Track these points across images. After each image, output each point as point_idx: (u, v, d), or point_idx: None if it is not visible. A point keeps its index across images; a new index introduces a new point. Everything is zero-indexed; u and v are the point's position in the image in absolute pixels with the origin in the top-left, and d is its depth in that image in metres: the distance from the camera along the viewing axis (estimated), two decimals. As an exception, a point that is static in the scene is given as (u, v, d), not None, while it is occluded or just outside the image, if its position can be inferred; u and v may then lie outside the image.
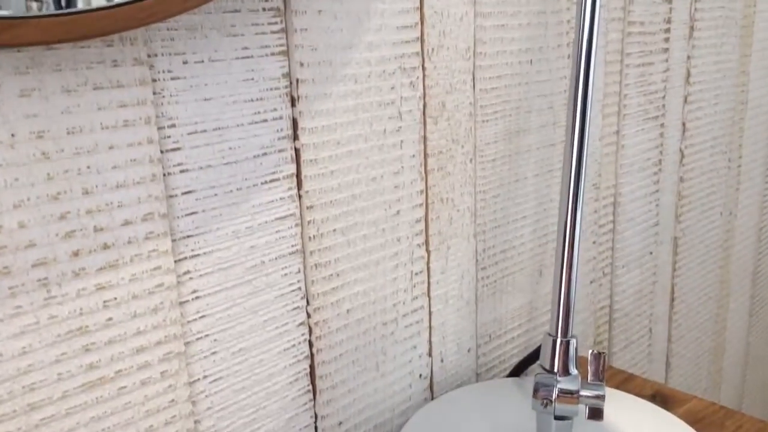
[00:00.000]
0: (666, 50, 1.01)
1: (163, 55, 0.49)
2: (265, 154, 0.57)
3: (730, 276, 1.33)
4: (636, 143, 1.00)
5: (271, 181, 0.58)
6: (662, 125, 1.04)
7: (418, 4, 0.65)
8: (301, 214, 0.60)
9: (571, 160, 0.68)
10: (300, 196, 0.60)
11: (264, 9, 0.54)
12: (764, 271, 1.46)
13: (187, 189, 0.53)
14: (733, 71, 1.17)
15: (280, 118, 0.57)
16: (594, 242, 0.97)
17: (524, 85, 0.79)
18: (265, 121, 0.56)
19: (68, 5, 0.40)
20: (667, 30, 1.00)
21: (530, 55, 0.79)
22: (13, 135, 0.43)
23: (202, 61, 0.52)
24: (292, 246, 0.60)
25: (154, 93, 0.49)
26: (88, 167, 0.46)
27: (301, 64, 0.57)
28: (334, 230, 0.63)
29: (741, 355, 1.45)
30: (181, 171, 0.52)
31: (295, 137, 0.59)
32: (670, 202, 1.11)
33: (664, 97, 1.03)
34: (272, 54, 0.56)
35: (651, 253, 1.10)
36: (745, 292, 1.40)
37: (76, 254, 0.47)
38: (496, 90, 0.76)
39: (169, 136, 0.51)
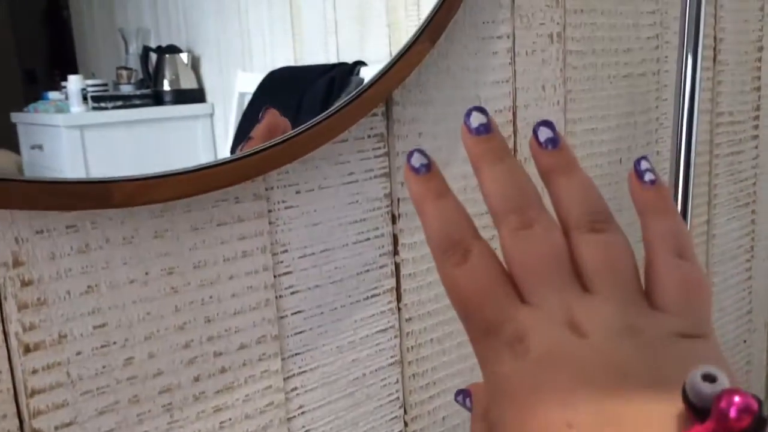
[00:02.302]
0: (755, 137, 0.99)
1: (278, 187, 0.52)
2: (367, 270, 0.59)
3: (830, 360, 1.27)
4: (727, 232, 0.98)
5: (373, 296, 0.60)
6: (753, 212, 1.02)
7: (511, 118, 0.67)
8: (400, 326, 0.62)
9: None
10: (399, 309, 0.62)
11: (369, 136, 0.57)
12: None
13: (296, 309, 0.55)
14: (826, 151, 1.14)
15: (382, 235, 0.59)
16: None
17: (614, 184, 0.79)
18: (368, 239, 0.59)
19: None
20: (756, 117, 0.99)
21: (619, 155, 0.79)
22: (147, 273, 0.46)
23: (313, 190, 0.55)
24: (392, 357, 0.62)
25: (270, 223, 0.52)
26: (211, 297, 0.49)
27: (402, 184, 0.60)
28: (431, 340, 0.64)
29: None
30: (292, 293, 0.55)
31: (396, 252, 0.61)
32: (764, 287, 1.08)
33: (754, 184, 1.01)
34: (375, 177, 0.58)
35: (745, 341, 1.06)
36: None
37: (197, 379, 0.49)
38: (586, 192, 0.76)
39: (281, 261, 0.54)
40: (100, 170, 0.42)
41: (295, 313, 0.55)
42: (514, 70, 0.67)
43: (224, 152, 0.51)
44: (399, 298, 0.62)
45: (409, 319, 0.62)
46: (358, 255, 0.58)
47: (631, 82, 0.78)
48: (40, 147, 0.42)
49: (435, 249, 0.29)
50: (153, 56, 0.47)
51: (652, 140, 0.83)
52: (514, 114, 0.67)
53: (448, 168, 0.63)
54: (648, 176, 0.30)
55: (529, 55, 0.68)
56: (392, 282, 0.61)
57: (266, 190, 0.52)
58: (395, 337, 0.62)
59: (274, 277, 0.53)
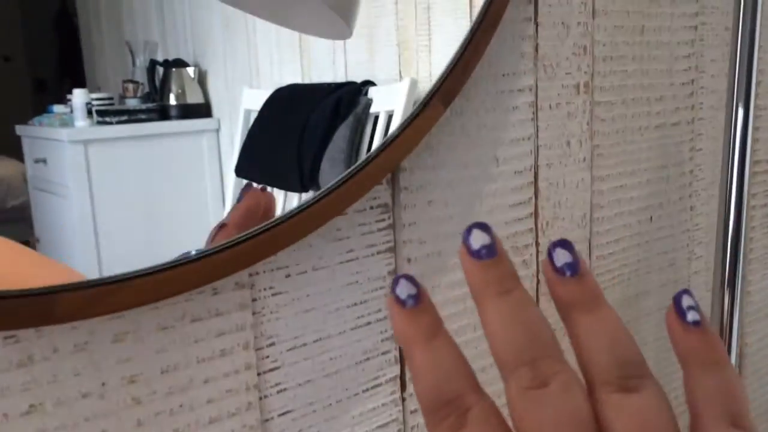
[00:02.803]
0: (794, 185, 0.91)
1: (264, 272, 0.45)
2: (367, 359, 0.52)
3: None
4: (763, 287, 0.90)
5: (374, 386, 0.52)
6: (791, 265, 0.94)
7: (532, 179, 0.60)
8: (404, 419, 0.54)
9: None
10: (404, 399, 0.54)
11: (371, 207, 0.50)
12: None
13: (283, 410, 0.48)
14: None
15: (384, 318, 0.52)
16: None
17: (644, 244, 0.72)
18: (369, 324, 0.51)
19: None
20: (796, 164, 0.91)
21: (650, 212, 0.72)
22: (103, 384, 0.39)
23: (305, 272, 0.47)
24: (394, 454, 0.54)
25: (254, 313, 0.45)
26: (181, 406, 0.42)
27: (409, 260, 0.52)
28: (440, 432, 0.57)
29: None
30: (279, 391, 0.47)
31: (400, 337, 0.53)
32: (801, 346, 0.99)
33: (793, 236, 0.93)
34: (378, 252, 0.51)
35: (780, 405, 0.98)
36: None
37: (164, 502, 0.42)
38: (613, 255, 0.69)
39: (267, 356, 0.46)
40: (105, 186, 0.41)
41: (283, 414, 0.48)
42: (537, 126, 0.59)
43: (229, 170, 0.49)
44: (403, 387, 0.54)
45: (414, 411, 0.55)
46: (356, 342, 0.51)
47: (663, 132, 0.71)
48: (44, 161, 0.42)
49: (425, 408, 0.24)
50: (160, 70, 0.46)
51: (685, 195, 0.75)
52: (536, 174, 0.60)
53: (459, 240, 0.55)
54: (692, 316, 0.25)
55: (553, 109, 0.60)
56: (396, 369, 0.53)
57: (250, 276, 0.44)
58: (398, 431, 0.54)
59: (258, 375, 0.46)
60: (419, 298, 0.25)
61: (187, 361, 0.42)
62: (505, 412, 0.24)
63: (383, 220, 0.51)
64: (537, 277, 0.62)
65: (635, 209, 0.70)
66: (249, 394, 0.45)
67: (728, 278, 0.69)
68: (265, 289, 0.45)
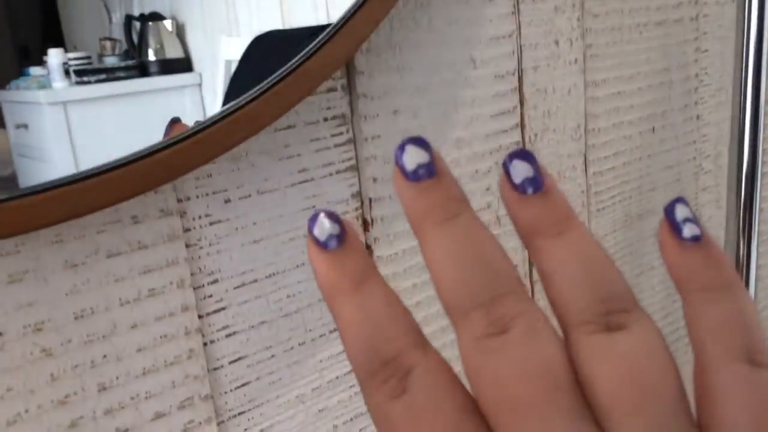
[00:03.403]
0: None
1: (198, 197, 0.38)
2: (333, 295, 0.45)
3: None
4: (777, 205, 0.83)
5: (342, 326, 0.46)
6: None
7: (516, 84, 0.52)
8: (380, 361, 0.48)
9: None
10: (379, 339, 0.48)
11: (326, 119, 0.43)
12: None
13: (235, 356, 0.41)
14: None
15: (351, 247, 0.45)
16: None
17: (646, 158, 0.64)
18: (332, 255, 0.44)
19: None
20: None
21: (652, 122, 0.64)
22: (1, 334, 0.33)
23: (249, 196, 0.40)
24: (371, 400, 0.48)
25: (188, 246, 0.38)
26: (105, 356, 0.36)
27: (374, 180, 0.45)
28: (423, 374, 0.50)
29: None
30: (228, 335, 0.41)
31: (370, 268, 0.47)
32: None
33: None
34: (338, 172, 0.44)
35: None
36: None
37: (93, 468, 0.36)
38: (612, 171, 0.61)
39: (210, 296, 0.40)
40: (87, 148, 0.39)
41: (235, 360, 0.41)
42: (519, 21, 0.51)
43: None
44: (378, 326, 0.48)
45: (392, 351, 0.48)
46: (318, 276, 0.44)
47: (665, 30, 0.63)
48: (25, 126, 0.40)
49: (358, 371, 0.19)
50: (137, 25, 0.45)
51: (691, 102, 0.67)
52: (520, 79, 0.52)
53: (435, 154, 0.48)
54: (689, 230, 0.20)
55: (537, 2, 0.52)
56: (368, 306, 0.47)
57: (179, 202, 0.38)
58: (375, 374, 0.48)
59: (200, 317, 0.39)
60: (343, 237, 0.20)
61: (107, 303, 0.35)
62: (458, 367, 0.18)
63: (341, 133, 0.44)
64: (527, 197, 0.55)
65: (635, 119, 0.62)
66: (190, 339, 0.39)
67: (744, 198, 0.62)
68: (200, 217, 0.39)
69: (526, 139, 0.54)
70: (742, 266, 0.55)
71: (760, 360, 0.19)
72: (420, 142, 0.20)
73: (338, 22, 0.37)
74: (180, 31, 0.45)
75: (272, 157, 0.41)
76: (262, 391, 0.43)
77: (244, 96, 0.35)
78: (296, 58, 0.36)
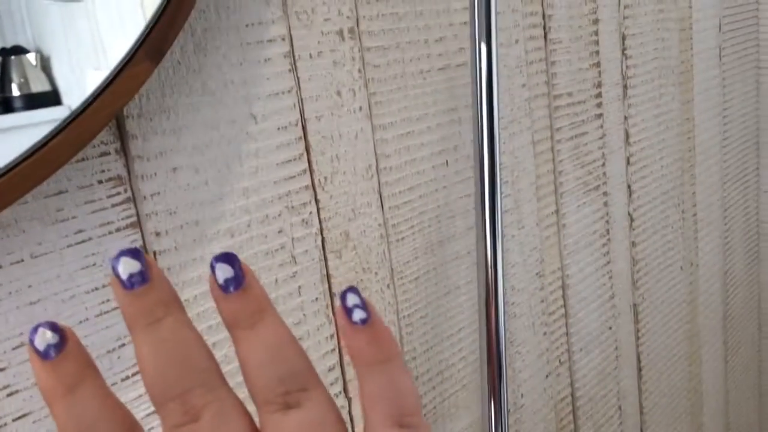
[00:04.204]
0: (600, 116, 0.94)
1: (-36, 267, 0.40)
2: (122, 345, 0.48)
3: (699, 328, 1.26)
4: (578, 219, 0.92)
5: (134, 374, 0.49)
6: (605, 193, 0.97)
7: (301, 134, 0.57)
8: (179, 401, 0.51)
9: (485, 261, 0.61)
10: (176, 381, 0.51)
11: (100, 181, 0.46)
12: (734, 313, 1.39)
13: (19, 413, 0.43)
14: (676, 120, 1.11)
15: (139, 299, 0.48)
16: (545, 333, 0.89)
17: (442, 189, 0.71)
18: (117, 308, 0.47)
19: None
20: (599, 95, 0.93)
21: (445, 156, 0.71)
22: None
23: (21, 260, 0.43)
24: (173, 440, 0.51)
25: (-42, 314, 0.40)
26: None
27: (158, 234, 0.49)
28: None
29: (721, 404, 1.38)
30: (9, 395, 0.43)
31: (161, 316, 0.50)
32: (625, 270, 1.03)
33: (603, 165, 0.96)
34: (117, 230, 0.47)
35: (610, 328, 1.02)
36: (717, 339, 1.33)
37: None
38: (408, 203, 0.67)
39: (-14, 359, 0.42)
40: None
41: (19, 417, 0.43)
42: (297, 77, 0.56)
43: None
44: (174, 369, 0.51)
45: (190, 392, 0.52)
46: (105, 329, 0.47)
47: (449, 74, 0.70)
48: None
49: None
50: None
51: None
52: (304, 129, 0.57)
53: (220, 204, 0.52)
54: (357, 314, 0.24)
55: (314, 58, 0.57)
56: (161, 352, 0.50)
57: (-58, 274, 0.39)
58: (175, 415, 0.51)
59: (-24, 381, 0.41)
60: (62, 346, 0.23)
61: None
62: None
63: (118, 193, 0.47)
64: (321, 234, 0.60)
65: (428, 155, 0.69)
66: (-35, 403, 0.40)
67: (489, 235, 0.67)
68: (-32, 286, 0.40)
69: (316, 182, 0.59)
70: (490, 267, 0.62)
71: (409, 422, 0.24)
72: (134, 253, 0.23)
73: (85, 102, 0.40)
74: (45, 64, 0.44)
75: (44, 222, 0.43)
76: (52, 444, 0.45)
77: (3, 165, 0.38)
78: (40, 140, 0.38)
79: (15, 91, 0.43)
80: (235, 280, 0.23)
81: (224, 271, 0.24)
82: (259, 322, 0.24)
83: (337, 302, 0.25)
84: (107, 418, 0.23)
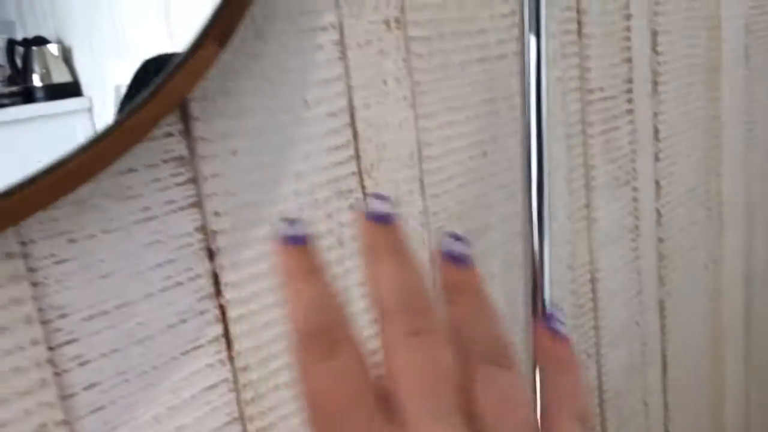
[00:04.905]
0: (630, 111, 0.95)
1: (42, 239, 0.42)
2: (183, 321, 0.49)
3: (723, 326, 1.27)
4: (608, 213, 0.93)
5: (194, 349, 0.50)
6: (634, 189, 0.98)
7: (348, 120, 0.58)
8: (234, 378, 0.53)
9: (531, 254, 0.62)
10: (232, 358, 0.52)
11: (165, 161, 0.47)
12: (757, 312, 1.39)
13: (89, 383, 0.45)
14: (703, 117, 1.12)
15: (198, 276, 0.50)
16: (574, 326, 0.90)
17: (480, 180, 0.72)
18: (180, 284, 0.49)
19: None
20: (629, 90, 0.94)
21: (483, 147, 0.72)
22: None
23: (94, 236, 0.44)
24: (228, 415, 0.53)
25: (35, 284, 0.42)
26: (-46, 392, 0.39)
27: (217, 214, 0.50)
28: (275, 387, 0.55)
29: (742, 404, 1.38)
30: (80, 364, 0.44)
31: (218, 294, 0.51)
32: (652, 265, 1.04)
33: (633, 160, 0.97)
34: (181, 209, 0.49)
35: (638, 323, 1.03)
36: (739, 338, 1.34)
37: (-53, 497, 0.39)
38: (447, 192, 0.69)
39: (59, 329, 0.43)
40: None
41: (89, 387, 0.45)
42: (346, 65, 0.58)
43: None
44: (229, 346, 0.52)
45: (244, 368, 0.53)
46: (167, 305, 0.48)
47: (488, 66, 0.71)
48: None
49: (297, 333, 0.25)
50: (20, 50, 0.43)
51: (518, 127, 0.76)
52: (353, 115, 0.59)
53: (277, 187, 0.54)
54: (562, 329, 0.30)
55: (362, 47, 0.59)
56: (218, 329, 0.51)
57: (22, 245, 0.41)
58: (230, 391, 0.53)
59: (51, 349, 0.43)
60: (305, 239, 0.27)
61: (-46, 342, 0.39)
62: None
63: (180, 174, 0.48)
64: (367, 220, 0.61)
65: (466, 145, 0.70)
66: (41, 370, 0.42)
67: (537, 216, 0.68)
68: (45, 258, 0.42)
69: (363, 169, 0.60)
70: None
71: (589, 424, 0.28)
72: (382, 197, 0.28)
73: (160, 81, 0.42)
74: (67, 55, 0.44)
75: (114, 199, 0.45)
76: (117, 414, 0.46)
77: (77, 146, 0.39)
78: (119, 118, 0.40)
79: (37, 82, 0.44)
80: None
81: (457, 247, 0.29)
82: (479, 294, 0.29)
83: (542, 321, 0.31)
84: (341, 310, 0.26)
